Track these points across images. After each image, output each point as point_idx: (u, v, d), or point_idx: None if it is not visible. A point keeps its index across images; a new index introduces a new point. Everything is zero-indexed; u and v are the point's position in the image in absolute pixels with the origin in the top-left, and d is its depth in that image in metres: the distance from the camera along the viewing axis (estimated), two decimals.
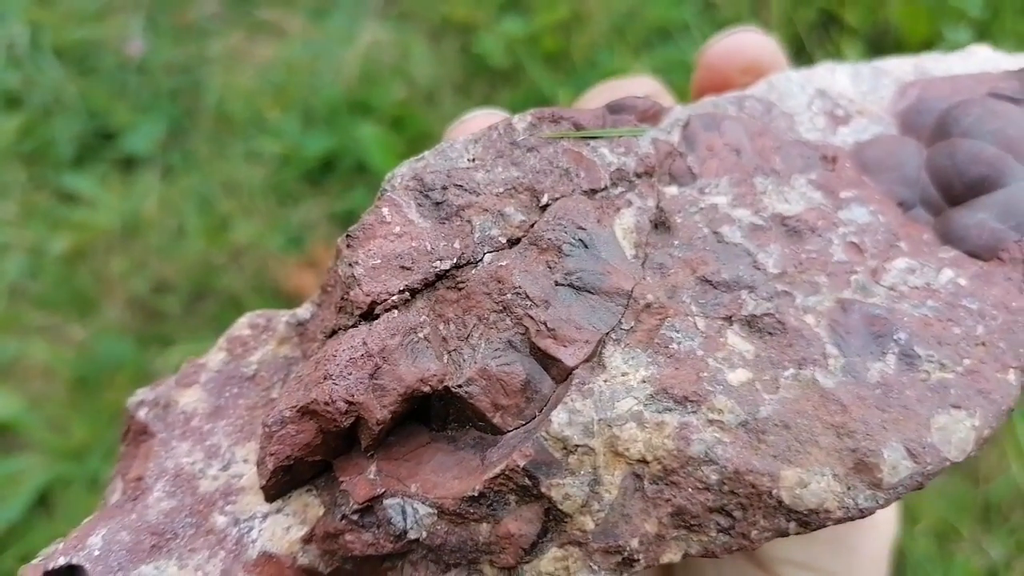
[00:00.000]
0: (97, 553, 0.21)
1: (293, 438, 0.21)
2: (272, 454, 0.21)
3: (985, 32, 0.97)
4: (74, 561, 0.21)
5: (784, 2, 1.00)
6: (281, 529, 0.22)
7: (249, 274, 0.90)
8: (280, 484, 0.22)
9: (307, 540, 0.22)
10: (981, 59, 0.29)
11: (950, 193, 0.25)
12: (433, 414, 0.22)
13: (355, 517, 0.21)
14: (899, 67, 0.29)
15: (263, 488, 0.22)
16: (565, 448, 0.20)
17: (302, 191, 0.94)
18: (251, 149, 0.96)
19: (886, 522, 0.32)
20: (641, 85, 0.31)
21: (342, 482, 0.21)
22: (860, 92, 0.28)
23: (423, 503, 0.20)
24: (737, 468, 0.20)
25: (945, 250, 0.24)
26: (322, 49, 1.01)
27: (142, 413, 0.25)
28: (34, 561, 0.22)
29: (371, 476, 0.21)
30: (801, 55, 0.97)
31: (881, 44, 0.98)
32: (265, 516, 0.22)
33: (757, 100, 0.27)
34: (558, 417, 0.20)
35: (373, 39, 1.02)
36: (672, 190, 0.24)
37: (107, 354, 0.85)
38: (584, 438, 0.20)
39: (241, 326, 0.26)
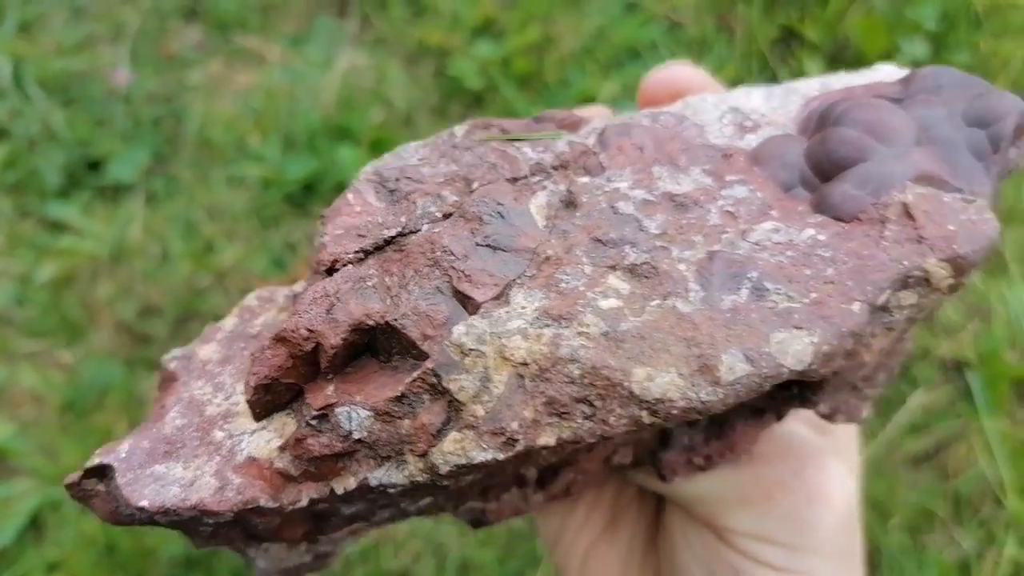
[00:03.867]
0: (123, 456, 0.27)
1: (269, 361, 0.26)
2: (254, 374, 0.26)
3: (940, 44, 1.01)
4: (105, 461, 0.26)
5: (747, 20, 1.04)
6: (264, 441, 0.27)
7: (234, 296, 0.91)
8: (263, 403, 0.27)
9: (282, 448, 0.26)
10: (884, 74, 0.32)
11: (822, 172, 0.28)
12: (380, 348, 0.26)
13: (314, 423, 0.26)
14: (807, 85, 0.32)
15: (248, 403, 0.27)
16: (462, 352, 0.25)
17: (284, 214, 0.96)
18: (233, 174, 0.97)
19: (842, 501, 0.34)
20: (596, 110, 0.36)
21: (307, 398, 0.26)
22: (771, 108, 0.32)
23: (363, 408, 0.25)
24: (595, 365, 0.24)
25: (815, 217, 0.27)
26: (301, 75, 1.03)
27: (172, 364, 0.31)
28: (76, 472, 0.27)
29: (329, 392, 0.26)
30: (764, 71, 1.00)
31: (841, 58, 1.01)
32: (253, 432, 0.27)
33: (671, 115, 0.31)
34: (457, 329, 0.25)
35: (350, 65, 1.04)
36: (584, 179, 0.29)
37: (96, 379, 0.86)
38: (477, 344, 0.25)
39: (251, 299, 0.32)
